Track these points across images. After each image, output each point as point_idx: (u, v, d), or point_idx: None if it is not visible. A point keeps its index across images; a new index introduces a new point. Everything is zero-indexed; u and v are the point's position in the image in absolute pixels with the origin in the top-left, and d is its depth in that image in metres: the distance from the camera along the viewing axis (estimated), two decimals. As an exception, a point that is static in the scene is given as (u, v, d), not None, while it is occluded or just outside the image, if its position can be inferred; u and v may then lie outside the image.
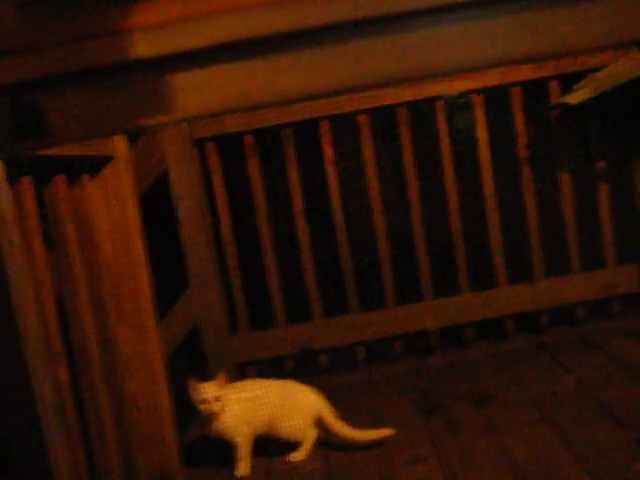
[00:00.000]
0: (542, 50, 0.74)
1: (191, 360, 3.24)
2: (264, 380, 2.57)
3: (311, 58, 0.75)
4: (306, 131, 3.24)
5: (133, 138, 2.33)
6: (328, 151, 3.16)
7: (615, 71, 2.85)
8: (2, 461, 1.08)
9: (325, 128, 3.15)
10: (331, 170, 3.18)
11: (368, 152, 3.17)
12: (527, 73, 3.09)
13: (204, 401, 2.34)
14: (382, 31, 0.74)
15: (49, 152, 1.65)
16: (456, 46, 0.74)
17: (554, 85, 3.14)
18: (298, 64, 0.75)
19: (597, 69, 2.97)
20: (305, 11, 0.71)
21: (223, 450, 2.48)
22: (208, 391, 2.35)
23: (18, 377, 1.06)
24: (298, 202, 3.19)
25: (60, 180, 1.85)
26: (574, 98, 2.88)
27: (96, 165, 2.07)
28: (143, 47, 0.72)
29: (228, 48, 0.74)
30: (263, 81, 0.76)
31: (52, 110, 0.76)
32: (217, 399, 2.35)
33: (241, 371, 3.21)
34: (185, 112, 0.77)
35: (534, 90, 3.19)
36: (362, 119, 3.15)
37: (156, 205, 2.96)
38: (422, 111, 3.32)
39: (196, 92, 0.76)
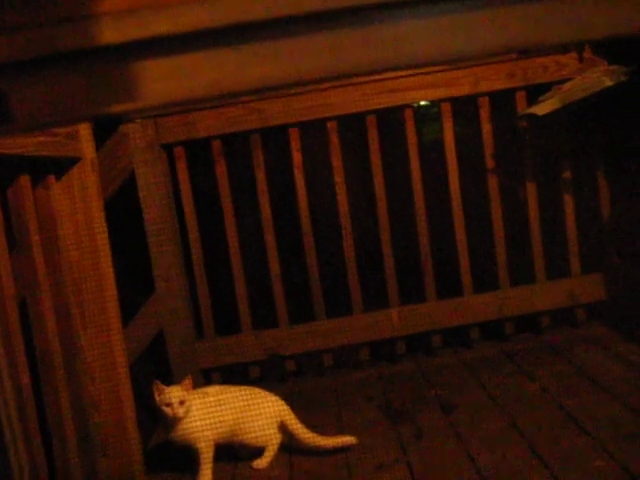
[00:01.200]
0: (514, 44, 0.74)
1: (155, 366, 3.22)
2: (228, 386, 2.56)
3: (284, 48, 0.74)
4: (275, 137, 3.24)
5: (101, 137, 2.31)
6: (297, 157, 3.16)
7: (581, 82, 2.88)
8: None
9: (294, 134, 3.15)
10: (299, 176, 3.18)
11: (336, 159, 3.17)
12: (496, 83, 3.12)
13: (168, 404, 2.32)
14: (357, 22, 0.73)
15: (14, 151, 1.63)
16: (432, 38, 0.75)
17: (521, 96, 3.17)
18: (270, 53, 0.74)
19: (564, 81, 3.01)
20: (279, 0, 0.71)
21: (186, 456, 2.45)
22: (173, 394, 2.33)
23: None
24: (266, 208, 3.18)
25: (24, 180, 1.82)
26: (541, 109, 2.91)
27: (62, 166, 2.05)
28: (111, 33, 0.71)
29: (199, 36, 0.73)
30: (234, 70, 0.75)
31: (16, 96, 0.75)
32: (181, 403, 2.33)
33: (206, 377, 3.19)
34: (153, 100, 0.76)
35: (501, 100, 3.22)
36: (331, 125, 3.15)
37: (124, 209, 2.94)
38: (391, 119, 3.34)
39: (165, 80, 0.75)
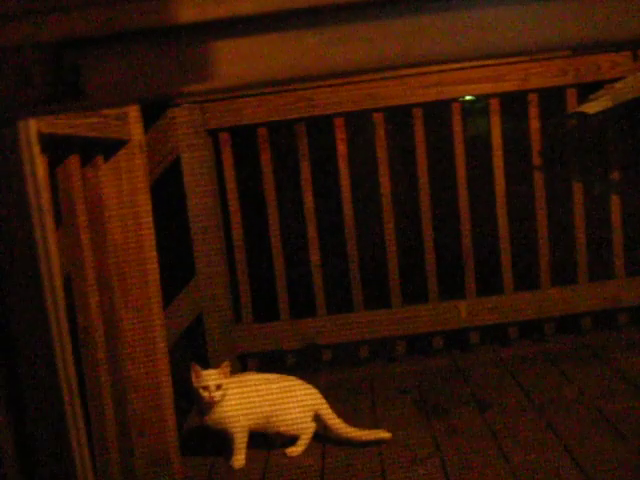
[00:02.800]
0: (599, 37, 0.72)
1: (192, 350, 3.24)
2: (266, 374, 2.57)
3: (365, 32, 0.73)
4: (320, 127, 3.24)
5: (147, 120, 2.32)
6: (341, 148, 3.15)
7: (634, 81, 2.83)
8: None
9: (340, 124, 3.14)
10: (343, 167, 3.17)
11: (381, 151, 3.16)
12: (547, 80, 3.07)
13: (205, 388, 2.34)
14: (441, 8, 0.72)
15: (65, 131, 1.64)
16: (518, 28, 0.72)
17: (571, 94, 3.12)
18: (351, 38, 0.73)
19: (616, 79, 2.96)
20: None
21: (220, 440, 2.47)
22: (210, 378, 2.35)
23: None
24: (309, 197, 3.18)
25: (74, 160, 1.84)
26: (592, 108, 2.87)
27: (110, 147, 2.06)
28: (191, 11, 0.70)
29: (278, 17, 0.71)
30: (314, 53, 0.73)
31: (91, 72, 0.74)
32: (218, 387, 2.34)
33: (242, 362, 3.21)
34: (230, 81, 0.75)
35: (550, 98, 3.18)
36: (378, 117, 3.14)
37: (167, 193, 2.96)
38: (435, 113, 3.31)
39: (242, 61, 0.74)
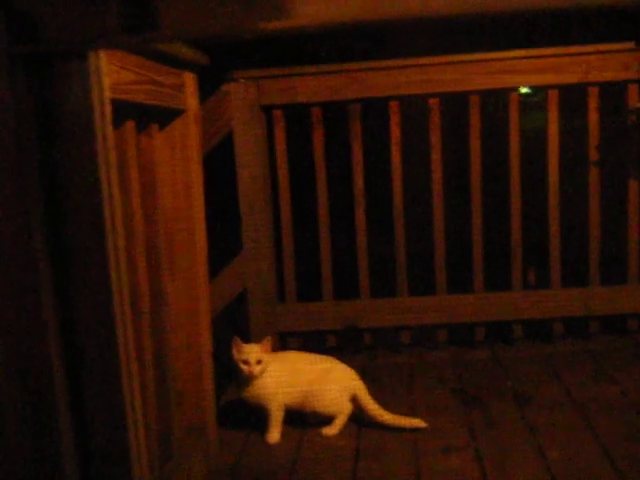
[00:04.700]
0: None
1: (234, 325, 3.26)
2: (306, 353, 2.58)
3: None
4: (372, 111, 3.21)
5: (206, 94, 2.32)
6: (395, 132, 3.13)
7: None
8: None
9: (394, 108, 3.12)
10: (396, 151, 3.15)
11: (435, 137, 3.12)
12: (608, 74, 3.01)
13: (246, 362, 2.35)
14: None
15: (124, 97, 1.65)
16: None
17: (633, 89, 3.05)
18: None
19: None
20: None
21: (256, 415, 2.49)
22: (251, 352, 2.36)
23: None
24: (359, 180, 3.17)
25: (130, 126, 1.84)
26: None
27: (165, 116, 2.07)
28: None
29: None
30: None
31: (164, 3, 0.72)
32: (259, 362, 2.36)
33: (283, 340, 3.22)
34: (306, 20, 0.72)
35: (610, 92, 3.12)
36: (433, 103, 3.10)
37: (219, 166, 2.98)
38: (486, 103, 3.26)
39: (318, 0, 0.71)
